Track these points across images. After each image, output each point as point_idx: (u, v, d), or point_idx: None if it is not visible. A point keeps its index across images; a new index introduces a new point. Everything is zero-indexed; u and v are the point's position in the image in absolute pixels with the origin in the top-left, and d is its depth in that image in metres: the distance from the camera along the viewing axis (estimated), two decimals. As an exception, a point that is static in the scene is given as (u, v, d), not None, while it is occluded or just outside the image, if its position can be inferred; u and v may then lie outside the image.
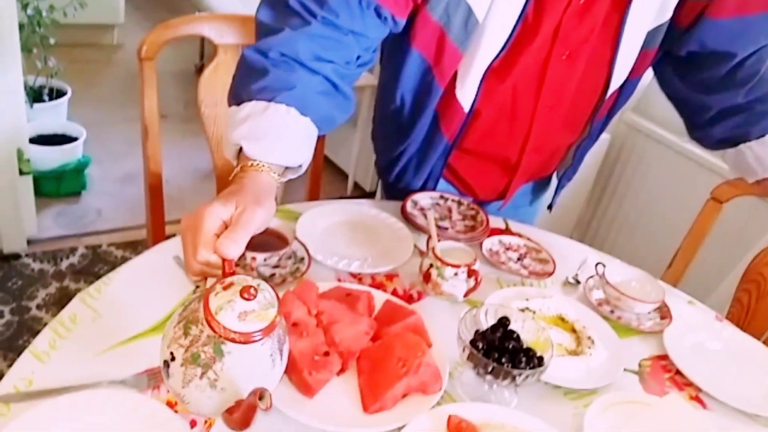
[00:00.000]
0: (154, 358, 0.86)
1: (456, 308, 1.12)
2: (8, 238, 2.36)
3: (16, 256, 2.38)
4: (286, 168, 0.95)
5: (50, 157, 2.67)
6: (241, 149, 0.90)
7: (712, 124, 1.33)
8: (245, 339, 0.66)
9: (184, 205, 2.81)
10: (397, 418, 0.86)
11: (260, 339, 0.67)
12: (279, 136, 0.91)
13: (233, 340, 0.66)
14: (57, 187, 2.73)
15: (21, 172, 2.31)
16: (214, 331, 0.65)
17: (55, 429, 0.74)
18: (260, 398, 0.66)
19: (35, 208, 2.47)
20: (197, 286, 0.78)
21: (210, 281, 0.76)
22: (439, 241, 1.15)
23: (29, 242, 2.43)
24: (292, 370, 0.86)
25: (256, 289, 0.68)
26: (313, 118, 0.96)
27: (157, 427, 0.70)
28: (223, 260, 0.71)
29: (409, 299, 1.13)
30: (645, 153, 2.33)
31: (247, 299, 0.67)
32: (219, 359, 0.66)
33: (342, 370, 0.92)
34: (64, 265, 2.39)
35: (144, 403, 0.79)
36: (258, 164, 0.87)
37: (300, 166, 0.96)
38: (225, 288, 0.67)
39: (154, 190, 1.40)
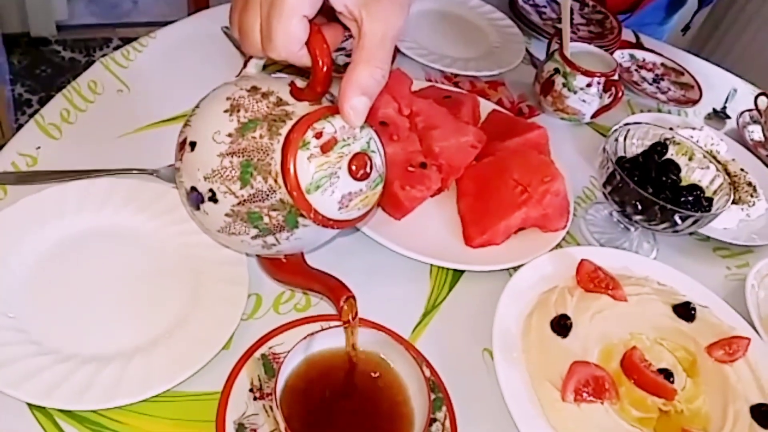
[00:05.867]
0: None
1: (578, 132, 0.88)
2: (35, 20, 2.12)
3: (45, 42, 2.14)
4: None
5: (80, -69, 2.34)
6: None
7: None
8: (340, 226, 0.45)
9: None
10: (508, 257, 0.65)
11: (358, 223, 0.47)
12: None
13: (323, 225, 0.44)
14: (89, -32, 2.43)
15: (46, -57, 2.02)
16: (298, 207, 0.42)
17: (60, 220, 0.55)
18: (346, 301, 0.46)
19: (65, -10, 2.20)
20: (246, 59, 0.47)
21: (253, 65, 0.46)
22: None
23: (59, 28, 2.19)
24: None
25: (371, 162, 0.43)
26: None
27: (199, 233, 0.50)
28: (315, 61, 0.41)
29: (518, 114, 0.88)
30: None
31: (359, 179, 0.43)
32: (288, 230, 0.45)
33: (440, 190, 0.70)
34: (97, 56, 2.16)
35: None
36: None
37: None
38: (324, 149, 0.41)
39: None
